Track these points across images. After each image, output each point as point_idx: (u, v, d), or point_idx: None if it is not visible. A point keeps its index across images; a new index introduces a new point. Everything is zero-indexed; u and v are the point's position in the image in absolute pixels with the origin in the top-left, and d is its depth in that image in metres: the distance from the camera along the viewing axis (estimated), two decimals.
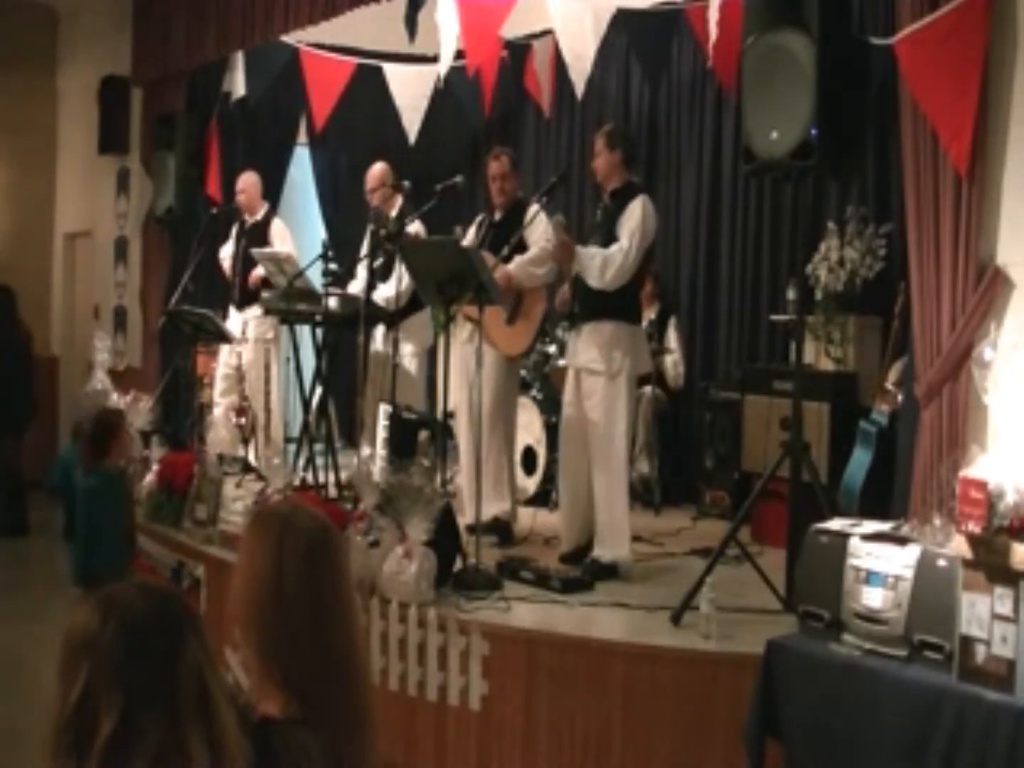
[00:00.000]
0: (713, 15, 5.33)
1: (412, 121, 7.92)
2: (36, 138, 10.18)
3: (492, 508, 5.36)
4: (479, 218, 5.87)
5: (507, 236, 5.38)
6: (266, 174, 7.57)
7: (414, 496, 4.38)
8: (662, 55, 7.07)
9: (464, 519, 4.97)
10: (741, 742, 3.48)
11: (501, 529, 5.44)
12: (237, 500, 5.87)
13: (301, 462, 5.84)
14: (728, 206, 6.93)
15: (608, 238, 4.92)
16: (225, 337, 6.67)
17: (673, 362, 6.82)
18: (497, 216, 5.66)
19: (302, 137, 8.63)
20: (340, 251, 6.41)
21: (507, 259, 5.32)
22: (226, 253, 7.33)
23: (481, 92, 7.46)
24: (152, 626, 1.42)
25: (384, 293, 6.11)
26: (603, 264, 4.80)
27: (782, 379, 5.66)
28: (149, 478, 5.89)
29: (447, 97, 7.77)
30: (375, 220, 6.17)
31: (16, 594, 6.93)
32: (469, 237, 5.77)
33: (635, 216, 4.86)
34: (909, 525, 3.31)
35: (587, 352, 4.95)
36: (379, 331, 6.33)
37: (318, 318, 5.82)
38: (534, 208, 5.46)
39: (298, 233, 7.64)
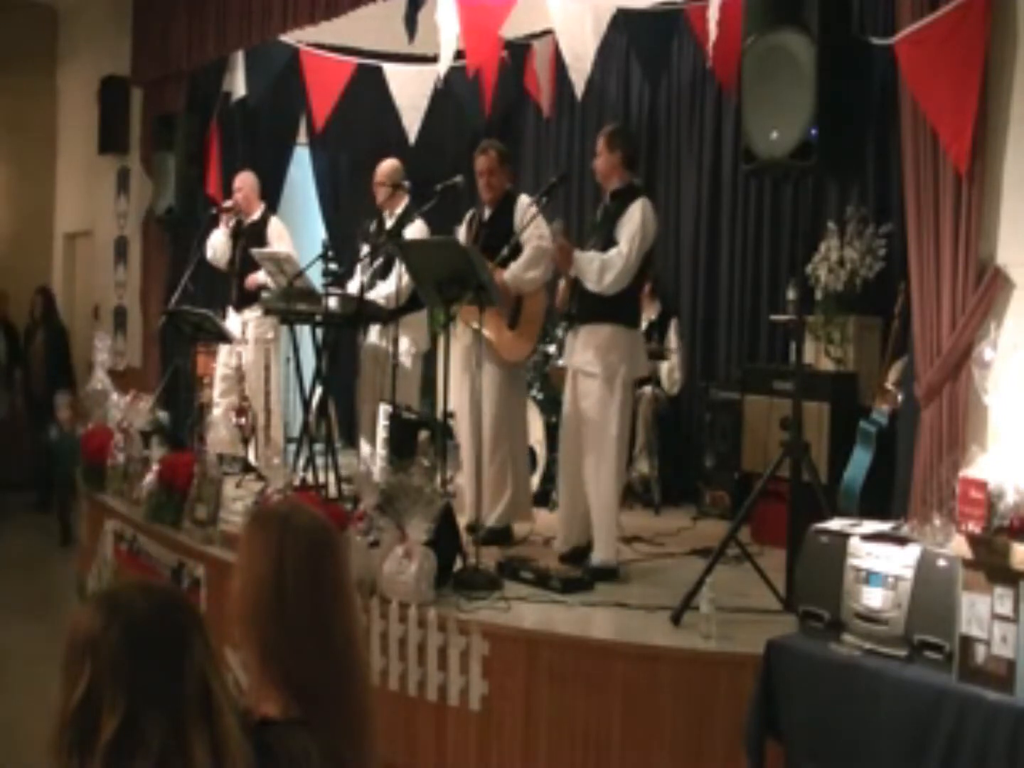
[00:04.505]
0: (713, 15, 5.34)
1: (412, 121, 7.92)
2: (36, 138, 10.20)
3: (487, 519, 5.27)
4: (469, 215, 5.78)
5: (498, 233, 5.33)
6: (266, 174, 7.57)
7: (414, 496, 4.38)
8: (662, 55, 7.07)
9: (464, 519, 4.97)
10: (741, 742, 3.48)
11: (498, 534, 5.42)
12: (237, 500, 5.88)
13: (301, 462, 5.83)
14: (728, 206, 6.92)
15: (607, 239, 4.89)
16: (225, 337, 6.67)
17: (669, 369, 6.77)
18: (487, 213, 5.57)
19: (302, 137, 8.63)
20: (340, 251, 6.40)
21: (505, 261, 5.24)
22: (214, 245, 7.25)
23: (481, 92, 7.45)
24: (155, 626, 1.41)
25: (384, 290, 6.10)
26: (601, 268, 4.78)
27: (782, 379, 5.65)
28: (149, 478, 5.88)
29: (447, 97, 7.77)
30: (364, 233, 6.24)
31: (17, 592, 6.93)
32: (460, 235, 5.70)
33: (635, 219, 4.82)
34: (909, 525, 3.31)
35: (583, 354, 4.93)
36: (373, 327, 6.32)
37: (318, 318, 5.82)
38: (526, 203, 5.37)
39: (298, 233, 7.64)
